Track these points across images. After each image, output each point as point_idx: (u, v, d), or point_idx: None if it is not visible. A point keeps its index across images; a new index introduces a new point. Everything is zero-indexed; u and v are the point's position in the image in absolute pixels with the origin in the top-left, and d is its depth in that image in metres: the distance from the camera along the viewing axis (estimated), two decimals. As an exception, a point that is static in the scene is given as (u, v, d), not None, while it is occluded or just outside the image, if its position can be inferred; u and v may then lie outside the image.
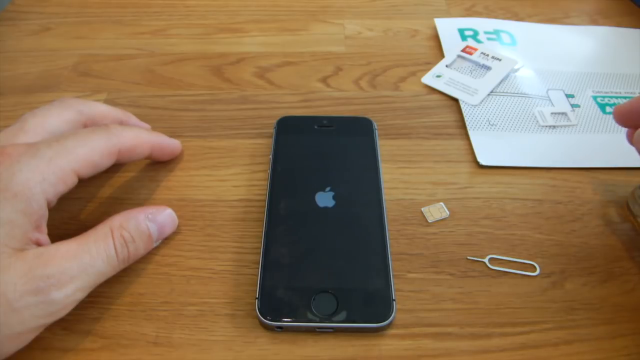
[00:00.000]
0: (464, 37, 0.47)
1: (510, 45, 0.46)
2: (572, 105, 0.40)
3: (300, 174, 0.33)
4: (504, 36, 0.47)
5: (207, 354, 0.26)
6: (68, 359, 0.26)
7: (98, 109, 0.32)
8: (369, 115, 0.38)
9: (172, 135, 0.35)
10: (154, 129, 0.36)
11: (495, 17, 0.49)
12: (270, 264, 0.28)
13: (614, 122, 0.38)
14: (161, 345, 0.26)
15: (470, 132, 0.37)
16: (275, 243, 0.29)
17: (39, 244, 0.24)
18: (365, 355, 0.26)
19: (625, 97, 0.41)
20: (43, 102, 0.31)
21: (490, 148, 0.36)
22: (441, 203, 0.33)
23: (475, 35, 0.47)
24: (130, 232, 0.27)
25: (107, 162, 0.28)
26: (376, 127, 0.36)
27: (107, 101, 0.40)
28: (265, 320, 0.26)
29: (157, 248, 0.30)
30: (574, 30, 0.48)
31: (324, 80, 0.42)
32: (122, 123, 0.33)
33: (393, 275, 0.28)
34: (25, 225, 0.23)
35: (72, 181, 0.26)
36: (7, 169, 0.24)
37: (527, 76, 0.43)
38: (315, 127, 0.36)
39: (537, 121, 0.38)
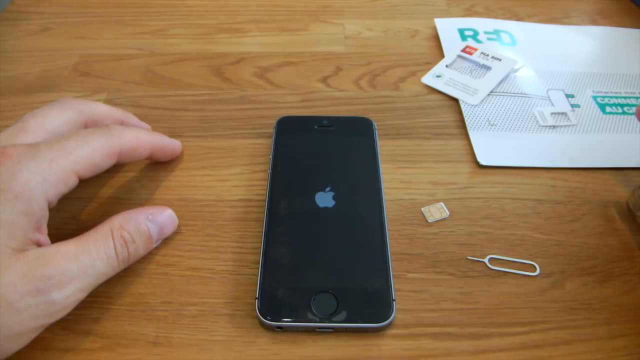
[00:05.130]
0: (464, 37, 0.47)
1: (510, 45, 0.46)
2: (572, 105, 0.40)
3: (300, 174, 0.33)
4: (504, 36, 0.47)
5: (207, 354, 0.26)
6: (68, 359, 0.26)
7: (98, 109, 0.32)
8: (369, 115, 0.38)
9: (172, 135, 0.35)
10: (154, 129, 0.36)
11: (495, 17, 0.49)
12: (270, 264, 0.28)
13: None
14: (161, 345, 0.26)
15: (470, 132, 0.37)
16: (275, 243, 0.29)
17: (39, 245, 0.24)
18: (365, 355, 0.26)
19: (625, 97, 0.41)
20: (43, 102, 0.32)
21: (490, 148, 0.36)
22: (441, 203, 0.33)
23: (475, 35, 0.47)
24: (131, 232, 0.27)
25: (107, 163, 0.28)
26: (376, 127, 0.36)
27: (107, 101, 0.40)
28: (265, 320, 0.26)
29: (157, 248, 0.30)
30: (574, 30, 0.48)
31: (324, 80, 0.42)
32: (122, 123, 0.33)
33: (393, 275, 0.28)
34: (25, 226, 0.23)
35: (72, 182, 0.26)
36: (8, 170, 0.24)
37: (527, 76, 0.43)
38: (315, 127, 0.36)
39: (537, 121, 0.38)
